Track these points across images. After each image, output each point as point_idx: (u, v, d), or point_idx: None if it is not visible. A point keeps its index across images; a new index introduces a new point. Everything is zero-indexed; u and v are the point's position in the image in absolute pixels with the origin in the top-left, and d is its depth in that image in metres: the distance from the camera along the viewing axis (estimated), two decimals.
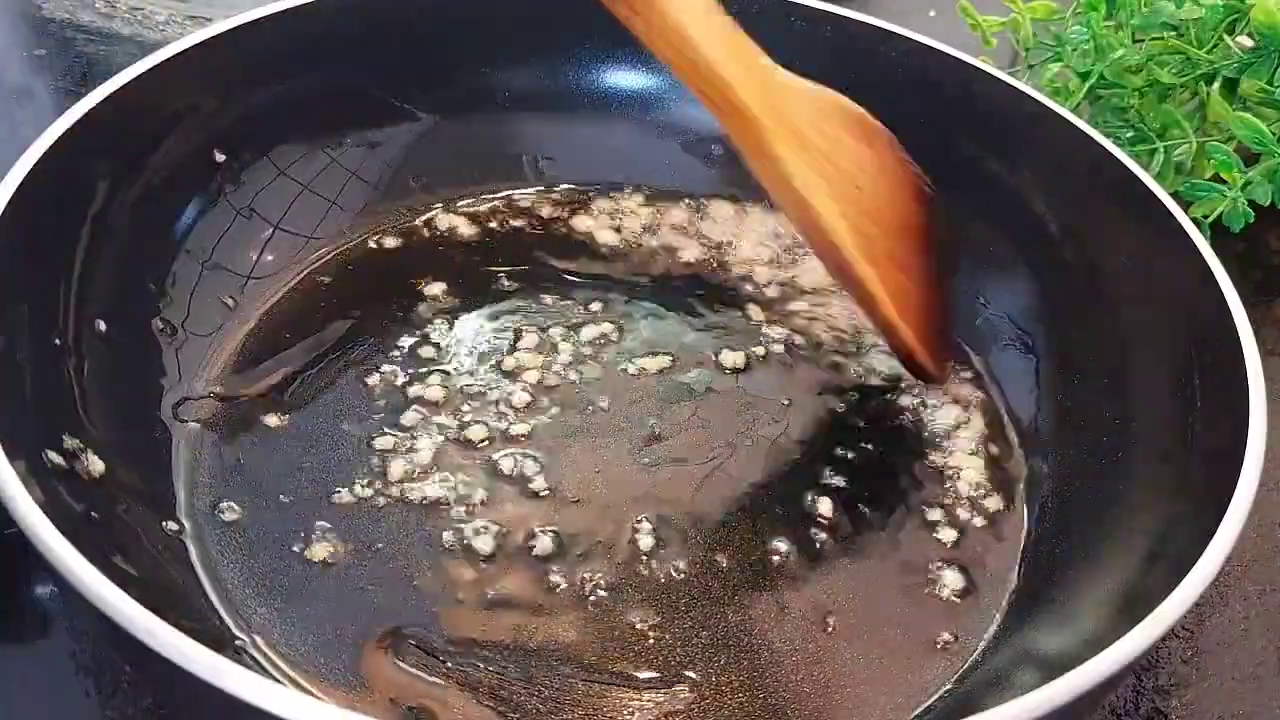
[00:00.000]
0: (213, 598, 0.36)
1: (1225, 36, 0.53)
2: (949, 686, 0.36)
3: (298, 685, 0.34)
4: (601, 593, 0.37)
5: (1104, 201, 0.45)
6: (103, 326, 0.39)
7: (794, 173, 0.40)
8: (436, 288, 0.47)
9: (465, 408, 0.43)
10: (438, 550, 0.38)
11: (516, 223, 0.51)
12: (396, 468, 0.40)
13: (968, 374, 0.46)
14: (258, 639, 0.35)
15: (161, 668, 0.27)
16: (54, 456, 0.34)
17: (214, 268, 0.45)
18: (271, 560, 0.37)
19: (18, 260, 0.36)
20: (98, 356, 0.38)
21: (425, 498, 0.39)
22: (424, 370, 0.44)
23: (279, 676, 0.34)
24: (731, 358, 0.46)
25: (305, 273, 0.47)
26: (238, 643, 0.35)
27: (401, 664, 0.35)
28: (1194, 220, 0.42)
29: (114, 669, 0.36)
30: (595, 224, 0.52)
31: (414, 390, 0.43)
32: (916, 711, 0.36)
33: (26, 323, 0.36)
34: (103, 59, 0.60)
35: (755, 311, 0.48)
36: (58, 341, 0.37)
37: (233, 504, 0.39)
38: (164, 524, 0.37)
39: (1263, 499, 0.33)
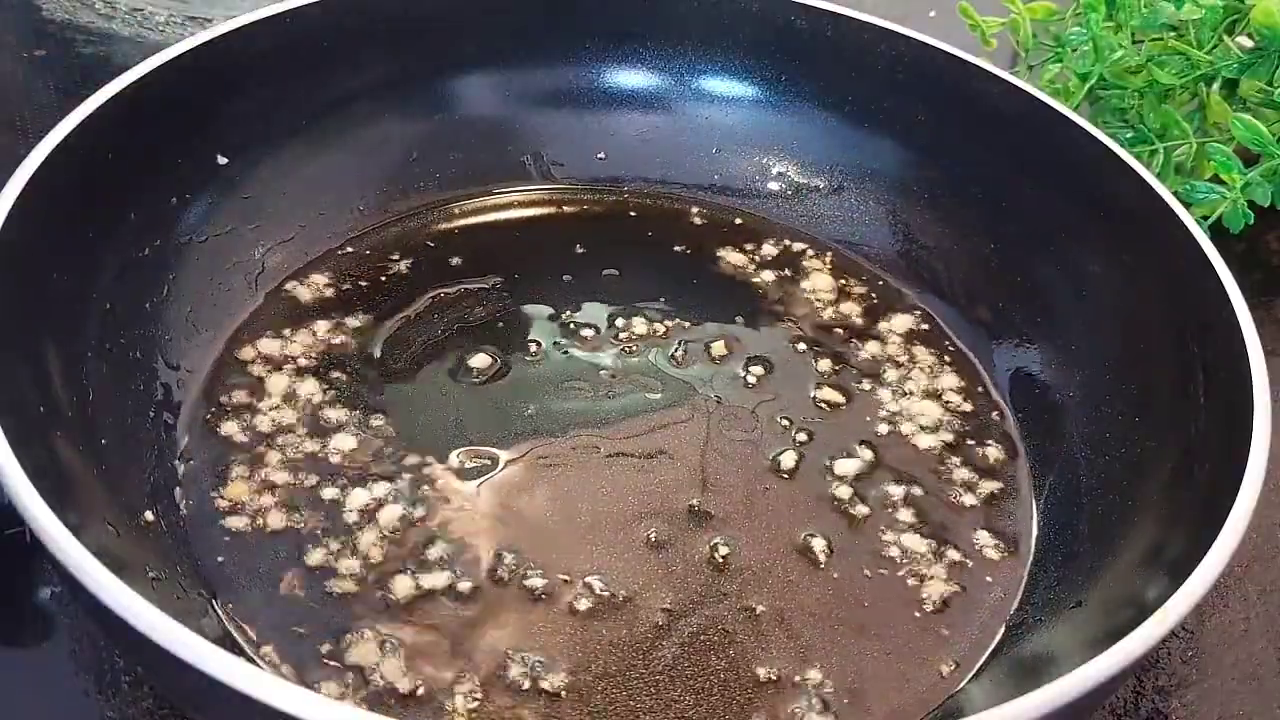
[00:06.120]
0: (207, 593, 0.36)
1: (1225, 37, 0.53)
2: (951, 686, 0.36)
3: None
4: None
5: (1106, 200, 0.45)
6: (106, 328, 0.39)
7: None
8: (443, 288, 0.47)
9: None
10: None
11: (519, 223, 0.51)
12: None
13: (969, 374, 0.46)
14: (246, 627, 0.35)
15: (173, 666, 0.27)
16: (60, 453, 0.34)
17: (219, 269, 0.45)
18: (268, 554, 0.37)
19: (21, 264, 0.36)
20: (101, 358, 0.39)
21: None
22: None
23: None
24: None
25: (310, 273, 0.47)
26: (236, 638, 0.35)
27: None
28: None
29: (114, 669, 0.36)
30: (596, 226, 0.52)
31: None
32: (921, 712, 0.36)
33: (29, 326, 0.36)
34: (103, 60, 0.60)
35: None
36: (60, 344, 0.37)
37: (227, 501, 0.39)
38: (159, 519, 0.37)
39: (1263, 499, 0.33)
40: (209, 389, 0.42)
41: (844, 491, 0.42)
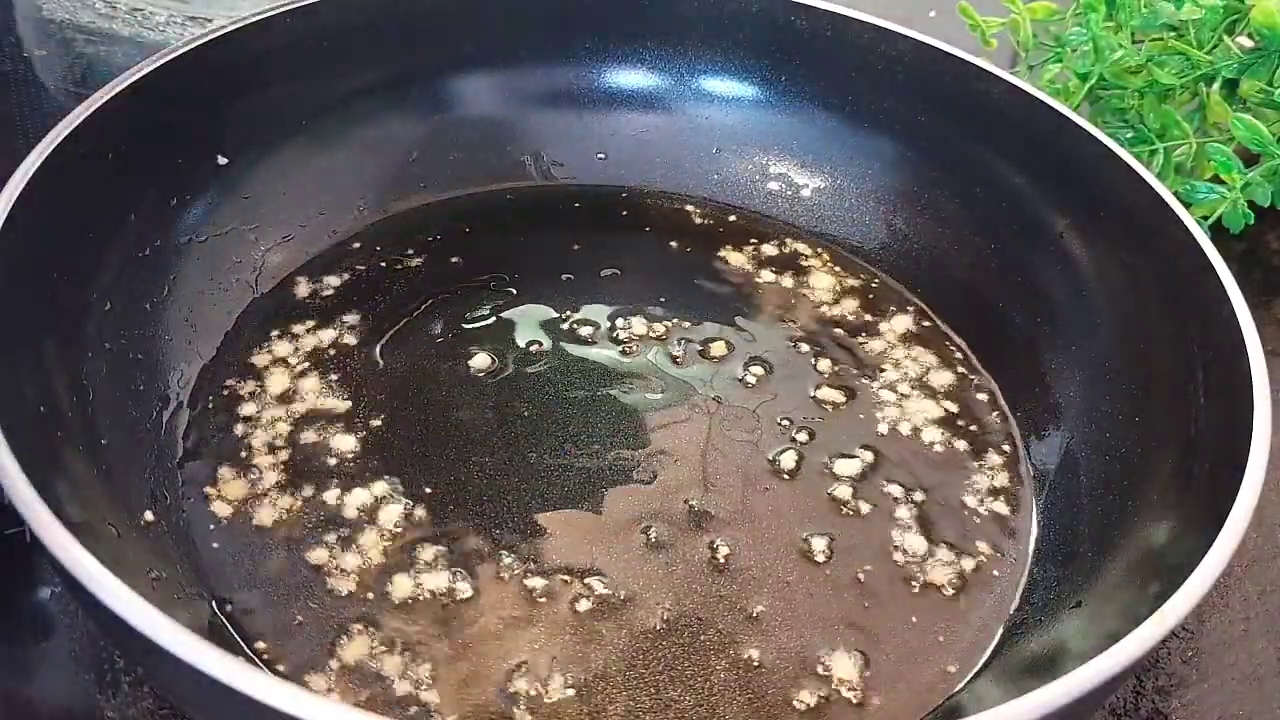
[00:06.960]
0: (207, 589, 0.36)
1: (1225, 37, 0.53)
2: (951, 686, 0.36)
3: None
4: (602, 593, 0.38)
5: (1106, 199, 0.45)
6: (106, 328, 0.39)
7: None
8: (443, 288, 0.47)
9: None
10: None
11: (519, 223, 0.51)
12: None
13: (969, 374, 0.46)
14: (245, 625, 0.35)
15: (171, 665, 0.27)
16: (60, 453, 0.34)
17: (219, 269, 0.45)
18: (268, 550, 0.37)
19: (21, 264, 0.36)
20: (101, 358, 0.39)
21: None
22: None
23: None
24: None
25: (309, 273, 0.47)
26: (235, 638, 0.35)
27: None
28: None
29: (114, 669, 0.36)
30: (596, 226, 0.52)
31: None
32: (921, 712, 0.36)
33: (29, 326, 0.36)
34: (103, 59, 0.60)
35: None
36: (60, 344, 0.37)
37: (227, 500, 0.39)
38: (159, 519, 0.37)
39: (1264, 499, 0.33)
40: (209, 388, 0.42)
41: (844, 491, 0.42)
